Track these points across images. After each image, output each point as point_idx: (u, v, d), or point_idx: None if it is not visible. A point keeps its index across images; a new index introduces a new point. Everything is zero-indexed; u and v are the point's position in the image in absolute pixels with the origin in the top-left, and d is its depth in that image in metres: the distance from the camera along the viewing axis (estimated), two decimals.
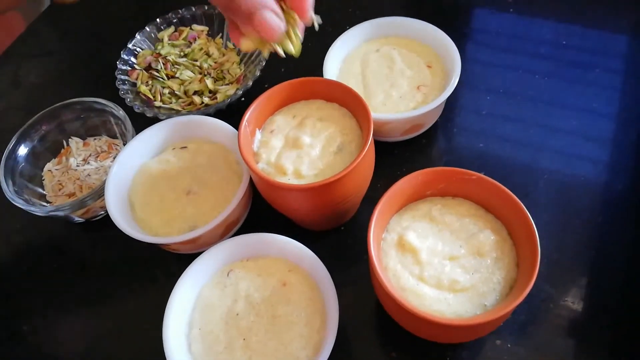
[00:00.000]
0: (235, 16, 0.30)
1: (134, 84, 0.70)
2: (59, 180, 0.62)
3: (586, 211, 0.55)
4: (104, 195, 0.54)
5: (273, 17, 0.29)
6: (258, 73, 0.65)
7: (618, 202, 0.56)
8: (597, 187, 0.57)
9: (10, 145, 0.61)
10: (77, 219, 0.60)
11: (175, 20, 0.75)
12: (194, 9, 0.74)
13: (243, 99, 0.69)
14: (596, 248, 0.53)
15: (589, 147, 0.60)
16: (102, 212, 0.61)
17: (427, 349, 0.48)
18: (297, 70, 0.71)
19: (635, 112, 0.62)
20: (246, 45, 0.35)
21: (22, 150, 0.62)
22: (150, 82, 0.69)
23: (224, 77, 0.70)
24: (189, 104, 0.67)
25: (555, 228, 0.54)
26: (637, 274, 0.51)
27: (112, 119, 0.64)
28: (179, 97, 0.68)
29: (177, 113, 0.65)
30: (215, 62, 0.71)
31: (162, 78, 0.69)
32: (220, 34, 0.75)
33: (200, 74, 0.69)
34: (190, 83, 0.68)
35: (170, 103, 0.67)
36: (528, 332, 0.48)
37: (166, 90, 0.68)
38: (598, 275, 0.51)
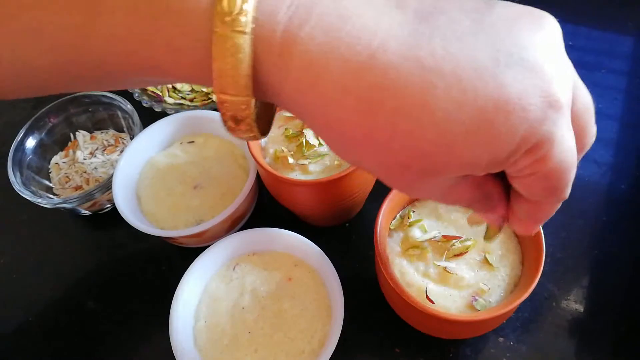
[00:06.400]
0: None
1: None
2: (65, 173, 0.63)
3: (590, 211, 0.55)
4: (111, 188, 0.55)
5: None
6: None
7: (622, 202, 0.56)
8: (601, 187, 0.57)
9: (18, 138, 0.61)
10: (83, 211, 0.60)
11: None
12: None
13: None
14: (600, 248, 0.53)
15: (593, 148, 0.59)
16: (109, 205, 0.61)
17: (430, 345, 0.48)
18: None
19: (639, 113, 0.62)
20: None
21: (30, 143, 0.62)
22: None
23: None
24: (197, 99, 0.67)
25: (559, 227, 0.54)
26: (639, 274, 0.51)
27: (119, 113, 0.65)
28: (186, 92, 0.68)
29: (185, 108, 0.65)
30: None
31: None
32: None
33: None
34: None
35: (179, 98, 0.68)
36: (530, 329, 0.48)
37: (169, 85, 0.68)
38: (601, 275, 0.51)
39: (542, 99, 0.20)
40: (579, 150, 0.24)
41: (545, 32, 0.22)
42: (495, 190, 0.27)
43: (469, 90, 0.20)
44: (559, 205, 0.25)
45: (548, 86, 0.20)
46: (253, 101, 0.22)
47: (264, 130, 0.25)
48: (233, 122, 0.23)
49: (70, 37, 0.23)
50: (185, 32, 0.21)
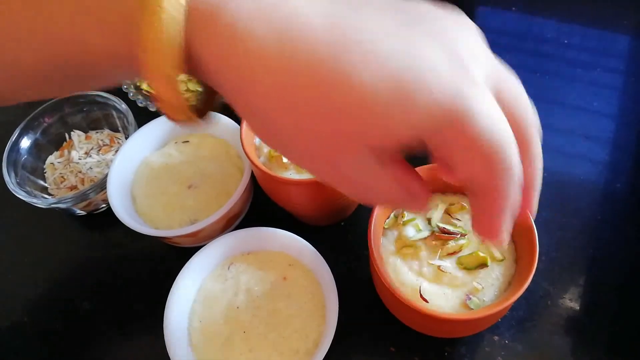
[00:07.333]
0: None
1: None
2: (60, 173, 0.63)
3: (585, 210, 0.55)
4: (106, 188, 0.54)
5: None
6: None
7: (617, 201, 0.56)
8: (596, 186, 0.57)
9: (13, 138, 0.61)
10: (78, 211, 0.60)
11: None
12: None
13: None
14: (594, 247, 0.53)
15: (588, 146, 0.60)
16: (104, 205, 0.61)
17: (426, 344, 0.48)
18: None
19: (635, 112, 0.62)
20: None
21: (25, 143, 0.62)
22: None
23: None
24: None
25: (554, 226, 0.54)
26: (634, 272, 0.51)
27: (114, 113, 0.65)
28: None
29: None
30: None
31: None
32: None
33: None
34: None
35: None
36: (525, 328, 0.48)
37: None
38: (596, 273, 0.51)
39: (454, 70, 0.22)
40: (524, 144, 0.24)
41: (467, 24, 0.24)
42: (416, 184, 0.26)
43: (384, 56, 0.21)
44: (509, 195, 0.24)
45: (460, 59, 0.22)
46: (183, 76, 0.23)
47: (202, 114, 0.26)
48: (164, 98, 0.23)
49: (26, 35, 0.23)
50: (114, 8, 0.22)
